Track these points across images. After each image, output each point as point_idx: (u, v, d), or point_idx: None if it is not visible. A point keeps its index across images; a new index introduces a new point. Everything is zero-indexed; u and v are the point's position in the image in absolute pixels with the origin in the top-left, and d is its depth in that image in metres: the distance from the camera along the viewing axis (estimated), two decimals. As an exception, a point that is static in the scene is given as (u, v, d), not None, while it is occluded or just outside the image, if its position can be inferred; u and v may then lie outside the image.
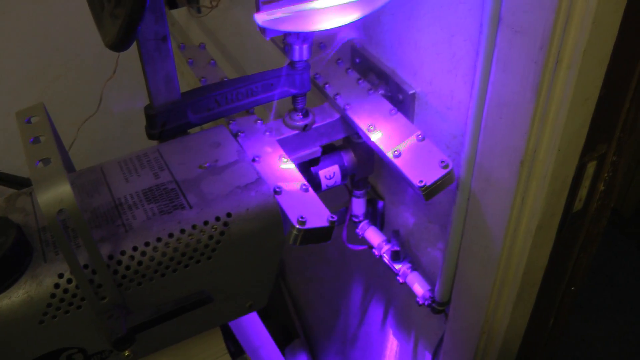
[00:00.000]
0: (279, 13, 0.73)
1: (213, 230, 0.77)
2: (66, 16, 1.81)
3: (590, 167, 0.88)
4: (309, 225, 0.79)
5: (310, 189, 0.85)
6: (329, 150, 1.05)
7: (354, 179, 1.10)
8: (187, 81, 1.10)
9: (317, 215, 0.81)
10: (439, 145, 0.94)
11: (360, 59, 1.05)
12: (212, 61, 1.06)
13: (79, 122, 1.84)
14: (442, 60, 0.88)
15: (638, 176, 2.43)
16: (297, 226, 0.79)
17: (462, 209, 0.92)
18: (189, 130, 0.92)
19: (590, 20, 0.68)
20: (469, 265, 0.97)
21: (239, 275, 0.82)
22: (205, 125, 0.93)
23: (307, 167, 1.02)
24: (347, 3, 0.76)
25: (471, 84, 0.81)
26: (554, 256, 0.95)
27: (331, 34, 1.09)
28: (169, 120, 0.89)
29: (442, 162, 0.85)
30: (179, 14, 1.78)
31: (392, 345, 1.41)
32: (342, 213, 1.17)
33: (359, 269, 1.47)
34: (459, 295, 1.03)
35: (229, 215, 0.77)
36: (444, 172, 0.85)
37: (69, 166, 0.90)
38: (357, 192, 1.13)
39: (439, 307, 1.06)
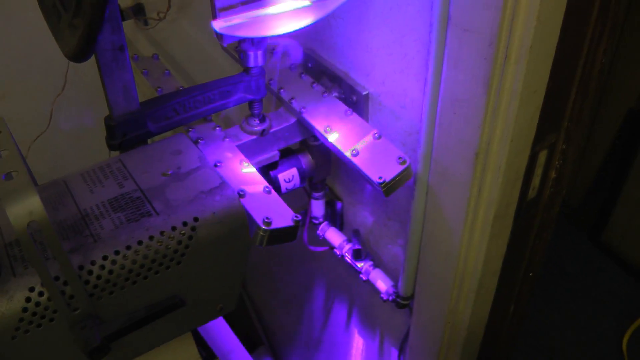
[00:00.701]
0: (236, 19, 0.75)
1: (181, 235, 0.78)
2: (11, 33, 1.79)
3: (542, 156, 0.91)
4: (274, 226, 0.81)
5: (272, 191, 0.87)
6: (287, 154, 1.06)
7: (312, 181, 1.12)
8: (142, 92, 1.11)
9: (282, 215, 0.83)
10: (395, 143, 0.97)
11: (313, 63, 1.07)
12: (166, 71, 1.07)
13: (28, 141, 1.82)
14: (394, 61, 0.91)
15: (585, 166, 2.50)
16: (263, 227, 0.81)
17: (421, 204, 0.95)
18: (148, 140, 0.93)
19: (534, 18, 0.71)
20: (431, 258, 1.00)
21: (208, 279, 0.83)
22: (164, 135, 0.94)
23: (266, 172, 1.04)
24: (301, 8, 0.78)
25: (424, 82, 0.84)
26: (511, 244, 0.98)
27: (284, 39, 1.11)
28: (129, 130, 0.90)
29: (400, 158, 0.88)
30: (126, 27, 1.78)
31: (357, 344, 1.43)
32: (302, 215, 1.19)
33: (320, 271, 1.48)
34: (422, 289, 1.06)
35: (195, 219, 0.78)
36: (401, 167, 0.87)
37: (32, 180, 0.90)
38: (316, 194, 1.15)
39: (403, 301, 1.09)
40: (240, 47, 0.90)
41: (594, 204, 2.53)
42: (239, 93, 0.96)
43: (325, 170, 1.10)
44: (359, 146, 0.91)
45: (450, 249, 0.95)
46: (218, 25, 0.75)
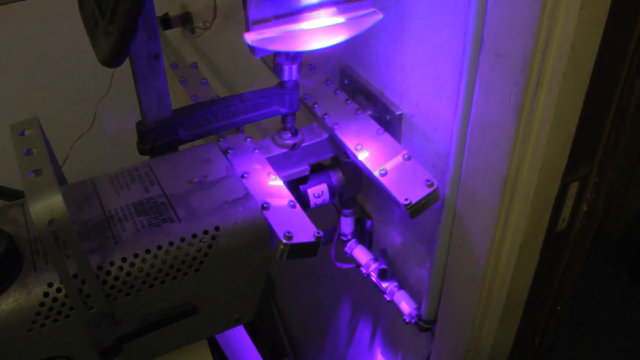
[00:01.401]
0: (269, 33, 0.75)
1: (201, 243, 0.78)
2: (61, 35, 1.83)
3: (573, 188, 0.89)
4: (295, 240, 0.81)
5: (297, 205, 0.86)
6: (318, 169, 1.06)
7: (342, 198, 1.12)
8: (179, 100, 1.13)
9: (304, 230, 0.83)
10: (425, 166, 0.96)
11: (349, 80, 1.07)
12: (203, 80, 1.08)
13: (71, 140, 1.86)
14: (427, 82, 0.90)
15: (627, 201, 2.45)
16: (284, 241, 0.80)
17: (447, 228, 0.94)
18: (179, 147, 0.94)
19: (568, 45, 0.70)
20: (455, 283, 0.99)
21: (226, 288, 0.83)
22: (195, 142, 0.95)
23: (296, 186, 1.04)
24: (335, 25, 0.78)
25: (455, 105, 0.83)
26: (538, 275, 0.96)
27: (321, 55, 1.12)
28: (160, 137, 0.91)
29: (428, 181, 0.87)
30: (173, 35, 1.81)
31: (379, 364, 1.42)
32: (331, 231, 1.18)
33: (348, 288, 1.48)
34: (444, 314, 1.05)
35: (217, 228, 0.79)
36: (429, 190, 0.86)
37: (60, 179, 0.92)
38: (346, 211, 1.15)
39: (425, 325, 1.08)
40: (275, 61, 0.91)
41: (635, 239, 2.46)
42: (272, 106, 0.96)
43: (356, 187, 1.09)
44: (388, 166, 0.91)
45: (474, 276, 0.93)
46: (250, 38, 0.75)
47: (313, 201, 1.04)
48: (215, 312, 0.84)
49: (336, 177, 1.06)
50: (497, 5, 0.73)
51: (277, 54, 0.89)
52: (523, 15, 0.70)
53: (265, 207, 0.84)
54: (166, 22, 1.73)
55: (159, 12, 1.76)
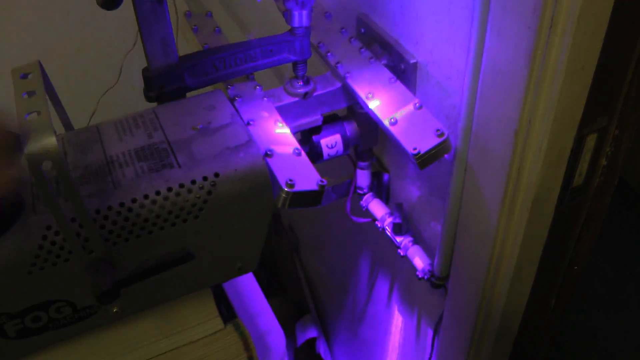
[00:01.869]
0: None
1: (200, 189, 0.77)
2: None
3: (591, 140, 0.85)
4: (297, 188, 0.79)
5: (303, 153, 0.84)
6: (332, 119, 1.04)
7: (357, 150, 1.09)
8: (192, 49, 1.11)
9: (307, 178, 0.81)
10: (439, 116, 0.93)
11: (365, 29, 1.04)
12: (217, 29, 1.06)
13: (99, 94, 1.86)
14: (441, 29, 0.87)
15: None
16: (286, 189, 0.79)
17: (459, 181, 0.91)
18: (187, 94, 0.92)
19: (584, -16, 0.66)
20: (467, 238, 0.96)
21: (226, 237, 0.82)
22: (204, 90, 0.93)
23: (309, 136, 1.02)
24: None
25: (467, 52, 0.80)
26: (553, 233, 0.93)
27: (338, 3, 1.08)
28: (166, 83, 0.89)
29: (438, 130, 0.84)
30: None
31: (397, 321, 1.40)
32: (347, 185, 1.16)
33: (366, 244, 1.46)
34: (457, 270, 1.02)
35: (216, 175, 0.77)
36: (439, 140, 0.84)
37: (67, 124, 0.91)
38: (362, 164, 1.12)
39: (438, 281, 1.05)
40: (284, 6, 0.88)
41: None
42: (282, 53, 0.94)
43: (371, 139, 1.07)
44: (399, 115, 0.88)
45: (487, 231, 0.91)
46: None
47: (326, 152, 1.02)
48: (216, 261, 0.83)
49: (350, 128, 1.03)
50: (508, -58, 0.69)
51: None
52: (535, -48, 0.66)
53: (268, 154, 0.82)
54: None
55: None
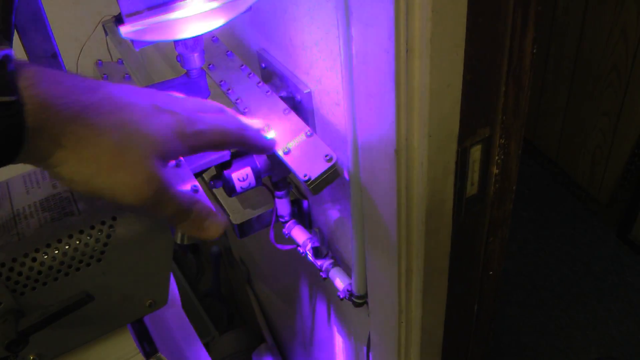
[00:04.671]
0: (141, 25, 0.77)
1: (99, 233, 0.80)
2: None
3: (476, 152, 0.90)
4: (192, 225, 0.82)
5: (200, 190, 0.88)
6: (243, 153, 1.08)
7: (272, 180, 1.13)
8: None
9: (202, 214, 0.84)
10: (336, 141, 0.97)
11: (266, 64, 1.08)
12: (126, 75, 1.10)
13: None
14: (324, 58, 0.91)
15: (611, 163, 2.43)
16: (181, 226, 0.82)
17: (357, 202, 0.95)
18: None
19: (429, 9, 0.70)
20: (374, 256, 1.00)
21: (131, 276, 0.85)
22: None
23: (220, 171, 1.05)
24: (209, 10, 0.79)
25: (342, 79, 0.84)
26: (457, 242, 0.97)
27: (239, 41, 1.13)
28: (69, 134, 0.93)
29: (327, 155, 0.88)
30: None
31: (339, 342, 1.43)
32: (270, 214, 1.20)
33: (303, 270, 1.49)
34: (372, 288, 1.06)
35: (114, 218, 0.81)
36: (327, 165, 0.88)
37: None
38: (279, 193, 1.16)
39: (358, 300, 1.09)
40: (175, 50, 0.92)
41: (622, 200, 2.44)
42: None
43: (283, 169, 1.10)
44: (292, 144, 0.92)
45: (389, 246, 0.94)
46: (125, 30, 0.77)
47: (239, 185, 1.06)
48: (125, 300, 0.86)
49: (260, 160, 1.07)
50: (357, -26, 0.73)
51: (176, 44, 0.91)
52: (380, -17, 0.71)
53: (166, 194, 0.86)
54: (121, 21, 1.75)
55: (114, 12, 1.78)
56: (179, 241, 0.84)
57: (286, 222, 1.20)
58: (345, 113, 0.88)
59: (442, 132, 0.82)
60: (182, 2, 0.79)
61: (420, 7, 0.70)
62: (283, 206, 1.18)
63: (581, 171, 2.58)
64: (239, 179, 1.05)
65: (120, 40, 1.66)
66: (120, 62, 1.13)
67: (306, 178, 0.86)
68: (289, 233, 1.20)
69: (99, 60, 1.13)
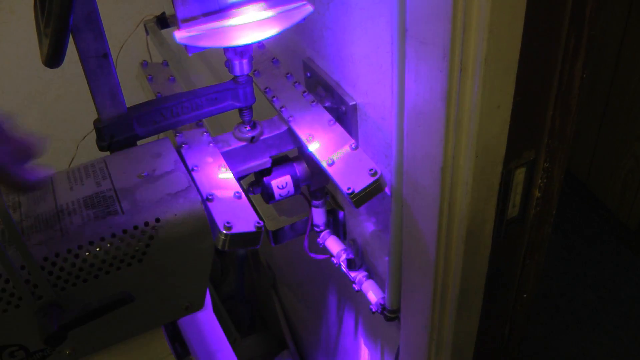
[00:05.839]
0: (196, 30, 0.77)
1: (142, 234, 0.81)
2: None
3: (520, 174, 0.89)
4: (235, 230, 0.83)
5: (243, 196, 0.89)
6: (283, 161, 1.08)
7: (310, 189, 1.13)
8: (147, 97, 1.15)
9: (245, 220, 0.85)
10: (378, 155, 0.97)
11: (311, 73, 1.08)
12: (171, 77, 1.11)
13: (79, 138, 1.91)
14: (373, 72, 0.91)
15: (643, 189, 2.40)
16: (224, 231, 0.83)
17: (398, 217, 0.95)
18: (138, 142, 0.97)
19: (486, 30, 0.70)
20: (411, 271, 1.00)
21: (170, 278, 0.85)
22: (154, 138, 0.97)
23: (260, 177, 1.06)
24: (264, 19, 0.80)
25: (391, 94, 0.84)
26: (495, 262, 0.96)
27: (285, 49, 1.13)
28: (116, 133, 0.94)
29: (371, 170, 0.88)
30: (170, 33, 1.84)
31: (364, 355, 1.43)
32: (305, 223, 1.20)
33: (332, 279, 1.49)
34: (406, 303, 1.05)
35: (157, 220, 0.81)
36: (372, 179, 0.88)
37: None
38: (316, 202, 1.16)
39: (390, 314, 1.09)
40: (225, 56, 0.93)
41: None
42: (226, 101, 0.98)
43: (322, 179, 1.11)
44: (336, 156, 0.92)
45: (427, 263, 0.94)
46: (180, 35, 0.78)
47: (277, 192, 1.06)
48: (162, 301, 0.87)
49: (300, 168, 1.07)
50: (415, -7, 0.74)
51: (225, 50, 0.91)
52: (439, 1, 0.71)
53: (209, 198, 0.86)
54: (163, 21, 1.76)
55: (156, 12, 1.80)
56: (220, 246, 0.84)
57: (321, 231, 1.20)
58: (391, 128, 0.88)
59: (489, 153, 0.82)
60: (238, 10, 0.79)
61: (477, 28, 0.70)
62: (319, 216, 1.18)
63: (611, 196, 2.56)
64: (278, 187, 1.05)
65: (161, 41, 1.67)
66: (165, 64, 1.14)
67: (350, 191, 0.86)
68: (324, 243, 1.20)
69: (145, 61, 1.14)
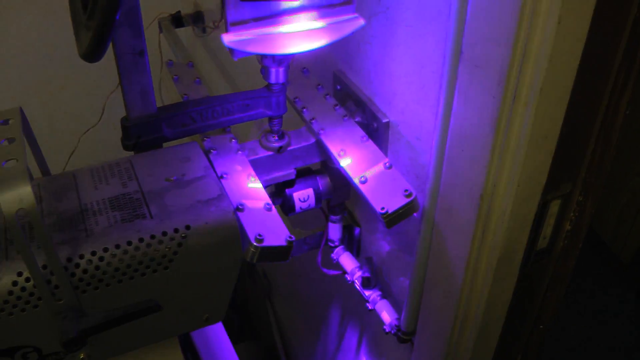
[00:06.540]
0: (246, 35, 0.75)
1: (171, 240, 0.78)
2: (71, 28, 1.85)
3: (554, 206, 0.88)
4: (266, 243, 0.81)
5: (273, 208, 0.86)
6: (305, 173, 1.06)
7: (329, 204, 1.11)
8: (171, 98, 1.13)
9: (276, 234, 0.82)
10: (409, 175, 0.96)
11: (341, 86, 1.07)
12: (197, 79, 1.09)
13: (80, 132, 1.87)
14: (413, 91, 0.90)
15: (638, 222, 2.41)
16: (255, 243, 0.80)
17: (426, 239, 0.93)
18: (164, 144, 0.94)
19: (546, 59, 0.69)
20: (433, 295, 0.98)
21: (195, 288, 0.83)
22: (181, 141, 0.95)
23: (282, 189, 1.03)
24: (315, 29, 0.78)
25: (436, 115, 0.83)
26: (518, 292, 0.95)
27: (315, 59, 1.11)
28: (143, 133, 0.91)
29: (406, 191, 0.87)
30: (185, 33, 1.82)
31: (365, 374, 1.41)
32: (319, 237, 1.18)
33: (338, 295, 1.47)
34: (423, 326, 1.04)
35: (187, 227, 0.79)
36: (406, 200, 0.86)
37: (44, 170, 0.92)
38: (333, 217, 1.14)
39: (404, 336, 1.07)
40: (262, 63, 0.91)
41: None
42: (258, 108, 0.96)
43: (343, 194, 1.09)
44: (369, 174, 0.90)
45: (452, 289, 0.92)
46: (227, 39, 0.75)
47: (298, 205, 1.04)
48: (183, 311, 0.84)
49: (323, 182, 1.06)
50: (476, 15, 0.72)
51: (263, 56, 0.89)
52: (501, 27, 0.69)
53: (240, 208, 0.84)
54: (178, 20, 1.74)
55: (171, 10, 1.77)
56: (248, 259, 0.82)
57: (335, 247, 1.18)
58: (429, 149, 0.87)
59: (531, 184, 0.81)
60: (289, 17, 0.77)
61: (537, 56, 0.69)
62: (335, 231, 1.16)
63: (606, 228, 2.57)
64: (300, 199, 1.03)
65: (175, 40, 1.65)
66: (190, 65, 1.12)
67: (383, 211, 0.84)
68: (337, 259, 1.18)
69: (170, 60, 1.11)
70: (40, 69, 1.94)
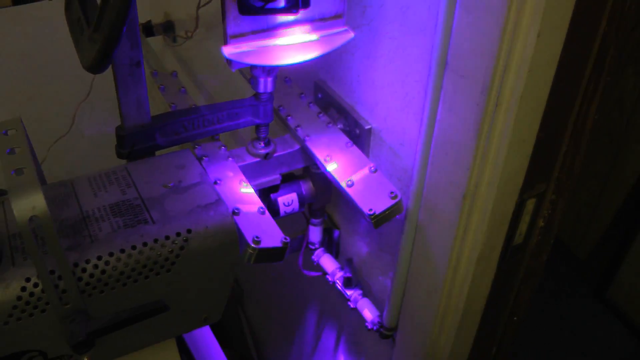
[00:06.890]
0: (245, 47, 0.79)
1: (173, 244, 0.82)
2: (43, 38, 1.86)
3: (530, 204, 0.94)
4: (263, 245, 0.85)
5: (266, 212, 0.90)
6: (289, 178, 1.10)
7: (311, 208, 1.16)
8: (157, 106, 1.16)
9: (272, 236, 0.87)
10: (391, 179, 1.01)
11: (323, 95, 1.11)
12: (182, 89, 1.12)
13: (49, 142, 1.88)
14: (396, 99, 0.95)
15: (594, 221, 2.51)
16: (252, 245, 0.84)
17: (409, 239, 0.98)
18: (156, 152, 0.97)
19: (526, 70, 0.75)
20: (415, 292, 1.03)
21: (195, 289, 0.86)
22: (172, 149, 0.98)
23: (267, 194, 1.07)
24: (308, 42, 0.83)
25: (420, 122, 0.88)
26: (495, 287, 1.01)
27: (297, 69, 1.16)
28: (138, 142, 0.94)
29: (392, 193, 0.92)
30: (155, 42, 1.84)
31: (343, 372, 1.45)
32: (300, 240, 1.22)
33: (314, 296, 1.51)
34: (405, 321, 1.09)
35: (189, 231, 0.83)
36: (392, 202, 0.91)
37: (41, 178, 0.95)
38: (314, 221, 1.19)
39: (386, 332, 1.12)
40: (251, 73, 0.95)
41: (601, 259, 2.52)
42: (247, 116, 1.00)
43: (325, 198, 1.13)
44: (355, 178, 0.95)
45: (434, 285, 0.98)
46: (228, 51, 0.79)
47: (283, 209, 1.08)
48: (184, 312, 0.88)
49: (306, 187, 1.10)
50: (461, 30, 0.77)
51: (253, 67, 0.93)
52: (485, 40, 0.75)
53: (235, 212, 0.88)
54: (149, 29, 1.77)
55: (142, 19, 1.79)
56: (246, 260, 0.86)
57: (315, 249, 1.23)
58: (413, 154, 0.92)
59: (509, 184, 0.87)
60: (285, 30, 0.82)
61: (518, 67, 0.75)
62: (315, 234, 1.21)
63: (564, 227, 2.66)
64: (284, 204, 1.08)
65: (147, 49, 1.67)
66: (174, 74, 1.15)
67: (371, 212, 0.89)
68: (318, 260, 1.22)
69: (155, 70, 1.14)
70: (9, 80, 1.94)
